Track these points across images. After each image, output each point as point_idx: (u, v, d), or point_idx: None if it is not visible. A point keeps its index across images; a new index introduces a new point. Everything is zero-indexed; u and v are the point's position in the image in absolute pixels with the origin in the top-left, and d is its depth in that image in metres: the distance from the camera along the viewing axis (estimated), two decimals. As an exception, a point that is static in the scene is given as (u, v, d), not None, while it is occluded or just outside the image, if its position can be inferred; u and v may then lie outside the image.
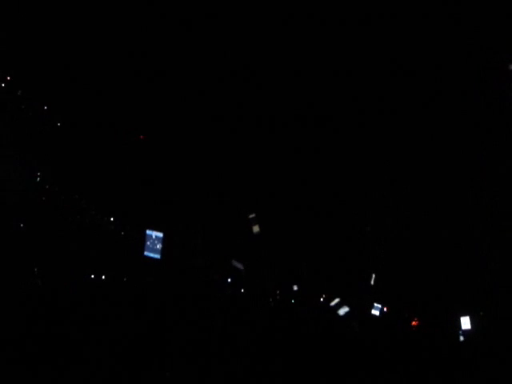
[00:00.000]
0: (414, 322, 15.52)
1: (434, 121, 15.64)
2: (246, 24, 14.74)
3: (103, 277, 14.10)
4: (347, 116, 15.93)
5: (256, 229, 16.51)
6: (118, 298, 12.76)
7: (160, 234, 13.22)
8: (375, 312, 16.54)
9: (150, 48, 14.94)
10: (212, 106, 15.78)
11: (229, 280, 16.59)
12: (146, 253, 13.23)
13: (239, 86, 15.55)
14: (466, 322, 14.75)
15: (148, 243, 13.16)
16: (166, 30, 14.92)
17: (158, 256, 13.09)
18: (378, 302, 16.60)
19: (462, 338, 14.45)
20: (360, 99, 15.53)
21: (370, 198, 16.70)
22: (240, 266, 14.83)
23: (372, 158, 16.43)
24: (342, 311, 15.08)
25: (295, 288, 16.74)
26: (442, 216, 16.25)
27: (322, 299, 16.46)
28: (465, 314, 14.84)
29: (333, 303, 15.19)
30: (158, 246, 13.10)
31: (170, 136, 15.90)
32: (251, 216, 16.39)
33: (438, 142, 15.70)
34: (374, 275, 16.99)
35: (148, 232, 13.28)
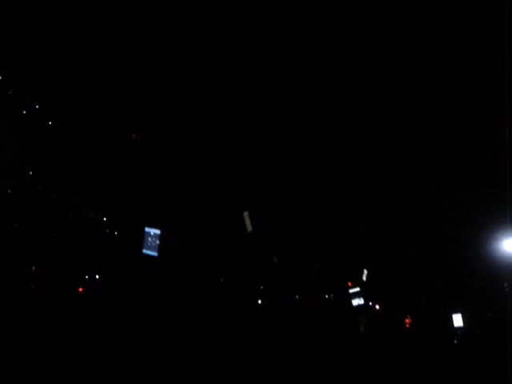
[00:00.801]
0: (407, 320, 15.64)
1: (429, 122, 15.80)
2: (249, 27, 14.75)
3: (96, 276, 13.94)
4: (345, 116, 15.98)
5: (249, 226, 16.43)
6: (117, 297, 12.63)
7: (158, 231, 13.05)
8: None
9: (146, 50, 14.85)
10: (208, 104, 15.70)
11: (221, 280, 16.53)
12: (144, 250, 13.05)
13: (234, 86, 15.50)
14: (458, 320, 14.92)
15: (148, 240, 12.96)
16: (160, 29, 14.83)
17: (155, 253, 12.91)
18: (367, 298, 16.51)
19: (454, 335, 14.62)
20: (356, 99, 15.59)
21: (364, 197, 16.77)
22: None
23: (368, 158, 16.52)
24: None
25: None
26: (434, 215, 16.40)
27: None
28: (457, 312, 15.02)
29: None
30: (156, 243, 12.92)
31: (165, 134, 15.80)
32: (245, 213, 16.32)
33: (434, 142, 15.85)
34: (365, 271, 17.05)
35: (147, 229, 13.10)
